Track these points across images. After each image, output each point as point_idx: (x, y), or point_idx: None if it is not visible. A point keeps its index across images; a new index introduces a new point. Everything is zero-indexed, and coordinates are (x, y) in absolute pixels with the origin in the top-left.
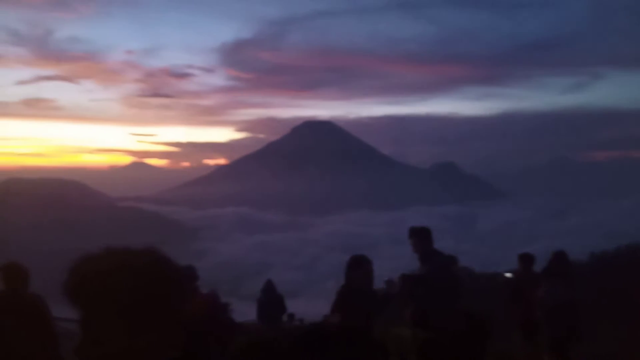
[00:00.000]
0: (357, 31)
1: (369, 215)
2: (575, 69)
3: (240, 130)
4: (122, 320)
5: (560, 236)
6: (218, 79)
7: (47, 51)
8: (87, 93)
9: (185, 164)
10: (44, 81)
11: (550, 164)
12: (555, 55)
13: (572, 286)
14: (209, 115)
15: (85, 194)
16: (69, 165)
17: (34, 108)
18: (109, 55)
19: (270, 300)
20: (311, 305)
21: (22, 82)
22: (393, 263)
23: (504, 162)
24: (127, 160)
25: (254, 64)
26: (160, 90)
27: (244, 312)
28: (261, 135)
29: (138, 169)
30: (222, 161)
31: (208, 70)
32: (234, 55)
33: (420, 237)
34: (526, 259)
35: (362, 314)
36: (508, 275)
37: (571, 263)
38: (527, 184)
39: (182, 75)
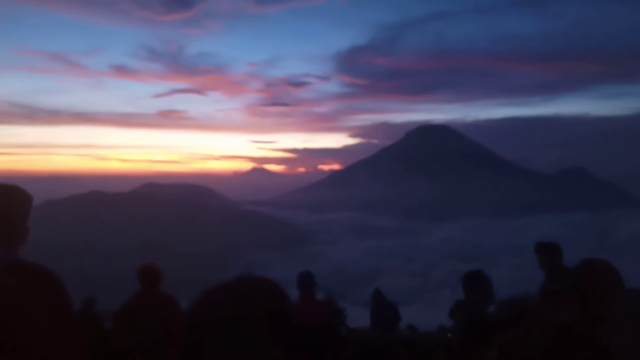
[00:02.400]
0: (476, 31)
1: (488, 223)
2: None
3: (354, 136)
4: (244, 347)
5: None
6: (333, 86)
7: (179, 66)
8: (214, 104)
9: (301, 169)
10: (177, 94)
11: None
12: None
13: None
14: (323, 122)
15: (211, 197)
16: (197, 171)
17: (168, 119)
18: (233, 68)
19: (383, 309)
20: (425, 314)
21: (157, 95)
22: (513, 274)
23: None
24: (248, 166)
25: (369, 70)
26: (279, 99)
27: (356, 317)
28: (374, 141)
29: (258, 174)
30: (336, 166)
31: (324, 78)
32: (349, 62)
33: (548, 253)
34: None
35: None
36: None
37: None
38: None
39: (300, 84)
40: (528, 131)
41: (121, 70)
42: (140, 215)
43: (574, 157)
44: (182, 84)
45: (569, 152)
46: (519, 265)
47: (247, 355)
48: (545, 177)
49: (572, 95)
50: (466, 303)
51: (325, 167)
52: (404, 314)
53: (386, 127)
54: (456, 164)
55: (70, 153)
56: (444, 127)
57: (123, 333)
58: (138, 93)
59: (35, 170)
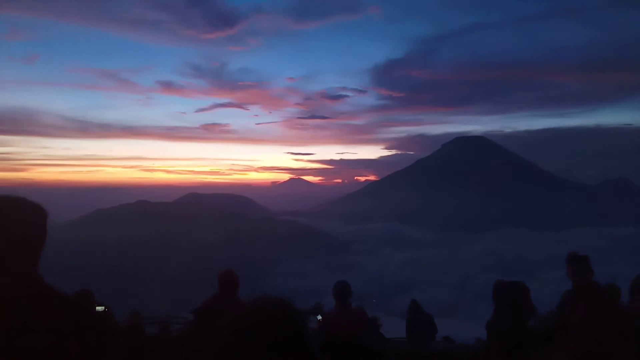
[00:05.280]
0: (514, 41)
1: (527, 235)
2: None
3: (390, 147)
4: None
5: None
6: (370, 99)
7: (222, 82)
8: (254, 117)
9: (338, 180)
10: (219, 108)
11: None
12: None
13: None
14: (360, 134)
15: (250, 207)
16: (238, 181)
17: (211, 132)
18: (273, 83)
19: (419, 321)
20: (462, 326)
21: (201, 110)
22: (554, 288)
23: None
24: (286, 177)
25: (405, 83)
26: (316, 112)
27: (392, 327)
28: (411, 152)
29: (295, 185)
30: (372, 177)
31: (360, 91)
32: (386, 76)
33: (577, 266)
34: None
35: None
36: None
37: None
38: None
39: (337, 97)
40: (569, 142)
41: (167, 86)
42: (183, 223)
43: (617, 168)
44: (224, 98)
45: (612, 163)
46: (559, 279)
47: None
48: (587, 189)
49: (615, 105)
50: (500, 315)
51: (362, 178)
52: (440, 326)
53: (422, 138)
54: (494, 175)
55: (120, 165)
56: (481, 138)
57: (196, 330)
58: (183, 108)
59: (87, 181)
